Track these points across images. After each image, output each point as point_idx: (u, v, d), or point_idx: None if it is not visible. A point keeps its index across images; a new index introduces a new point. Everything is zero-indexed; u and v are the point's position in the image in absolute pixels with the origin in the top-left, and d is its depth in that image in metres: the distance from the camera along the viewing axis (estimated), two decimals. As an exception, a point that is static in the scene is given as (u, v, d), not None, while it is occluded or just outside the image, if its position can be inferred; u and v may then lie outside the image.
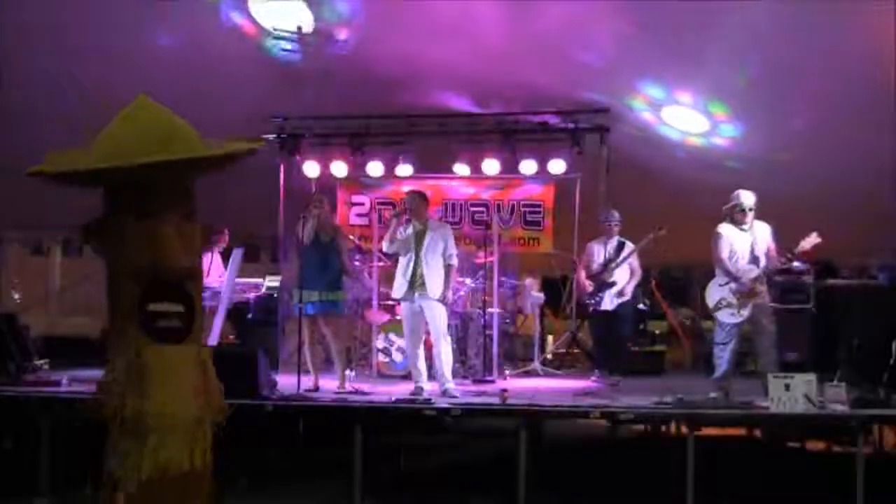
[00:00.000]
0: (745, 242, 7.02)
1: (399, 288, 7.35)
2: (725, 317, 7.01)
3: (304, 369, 7.50)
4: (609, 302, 8.40)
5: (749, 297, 6.90)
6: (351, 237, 7.46)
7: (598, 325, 8.84)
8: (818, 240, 6.70)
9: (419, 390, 7.26)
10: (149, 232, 3.18)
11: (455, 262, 7.48)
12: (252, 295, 9.64)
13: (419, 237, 7.31)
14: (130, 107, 3.24)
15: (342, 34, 8.07)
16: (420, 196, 7.54)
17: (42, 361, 8.27)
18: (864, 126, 7.96)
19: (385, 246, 7.54)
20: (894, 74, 7.21)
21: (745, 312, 6.91)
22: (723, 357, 7.06)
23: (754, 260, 6.98)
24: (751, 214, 7.00)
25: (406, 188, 9.68)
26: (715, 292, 7.06)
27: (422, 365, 7.44)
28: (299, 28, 7.90)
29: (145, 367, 3.18)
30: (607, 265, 8.49)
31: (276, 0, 7.94)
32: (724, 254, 7.00)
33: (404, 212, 7.36)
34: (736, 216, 7.03)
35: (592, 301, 8.52)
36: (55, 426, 6.58)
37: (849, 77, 7.54)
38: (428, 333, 7.54)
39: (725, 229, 7.06)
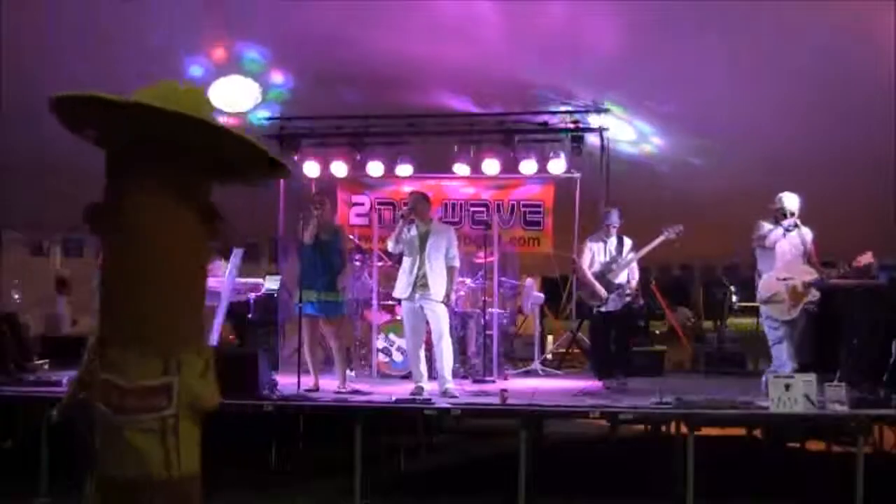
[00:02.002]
0: (788, 244, 7.22)
1: (403, 288, 7.38)
2: (776, 312, 7.18)
3: (303, 369, 7.50)
4: (614, 304, 8.27)
5: (801, 298, 7.06)
6: (351, 237, 7.46)
7: (600, 327, 8.56)
8: (872, 260, 6.95)
9: (419, 390, 7.27)
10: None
11: (457, 263, 7.53)
12: (252, 295, 9.64)
13: (423, 238, 7.35)
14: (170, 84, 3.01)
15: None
16: (423, 197, 7.61)
17: (42, 361, 8.27)
18: (865, 125, 7.96)
19: (391, 246, 7.55)
20: (894, 73, 7.21)
21: (795, 313, 7.09)
22: (781, 357, 7.19)
23: (807, 262, 7.19)
24: (793, 218, 7.22)
25: (406, 188, 9.73)
26: (773, 285, 7.19)
27: (423, 365, 7.46)
28: None
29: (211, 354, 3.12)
30: (610, 265, 8.28)
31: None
32: (763, 236, 7.25)
33: (409, 212, 7.40)
34: (779, 218, 7.26)
35: (597, 302, 8.22)
36: (55, 426, 6.57)
37: (850, 76, 7.54)
38: (428, 333, 7.55)
39: (766, 226, 7.31)
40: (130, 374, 2.89)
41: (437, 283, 7.30)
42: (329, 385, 7.61)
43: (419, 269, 7.31)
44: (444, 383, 7.27)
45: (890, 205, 8.39)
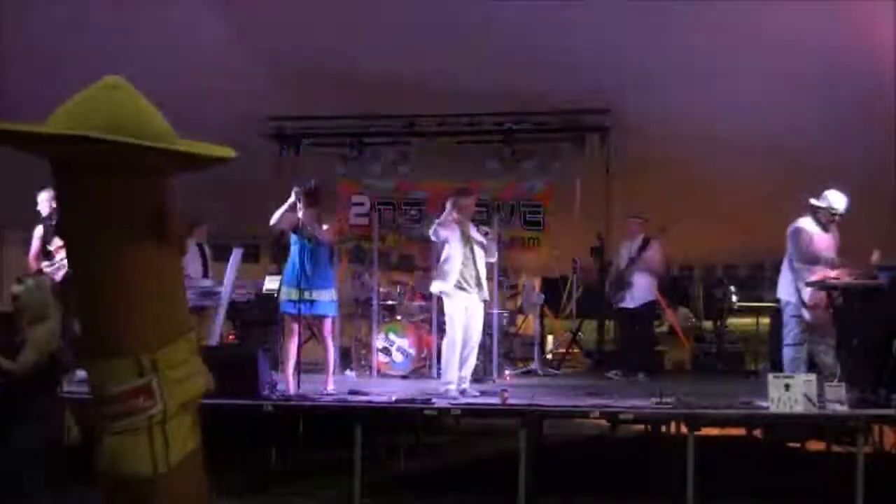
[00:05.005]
0: (828, 243, 7.06)
1: (454, 281, 7.14)
2: (811, 315, 7.08)
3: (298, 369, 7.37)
4: (629, 300, 8.71)
5: (833, 298, 6.95)
6: (325, 226, 7.14)
7: (620, 323, 9.32)
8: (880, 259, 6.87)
9: (458, 392, 7.16)
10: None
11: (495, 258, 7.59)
12: (252, 295, 9.63)
13: (468, 237, 7.24)
14: (99, 84, 2.99)
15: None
16: (471, 196, 7.49)
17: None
18: (866, 126, 7.96)
19: (433, 231, 7.30)
20: (894, 74, 7.22)
21: (827, 314, 7.00)
22: (798, 358, 7.13)
23: (841, 263, 7.03)
24: (837, 218, 7.02)
25: (406, 188, 9.75)
26: (815, 291, 7.02)
27: None
28: None
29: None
30: (630, 265, 8.86)
31: None
32: (807, 246, 7.02)
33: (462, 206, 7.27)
34: (821, 216, 7.03)
35: (615, 299, 9.02)
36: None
37: (852, 78, 7.55)
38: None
39: (807, 224, 7.07)
40: (107, 383, 2.89)
41: (485, 284, 7.30)
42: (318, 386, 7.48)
43: (473, 266, 7.18)
44: (464, 384, 7.25)
45: (891, 205, 8.39)
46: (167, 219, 3.05)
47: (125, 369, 2.91)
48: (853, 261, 7.11)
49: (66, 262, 7.66)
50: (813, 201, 7.07)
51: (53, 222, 7.82)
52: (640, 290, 8.86)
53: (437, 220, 7.36)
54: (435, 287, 7.44)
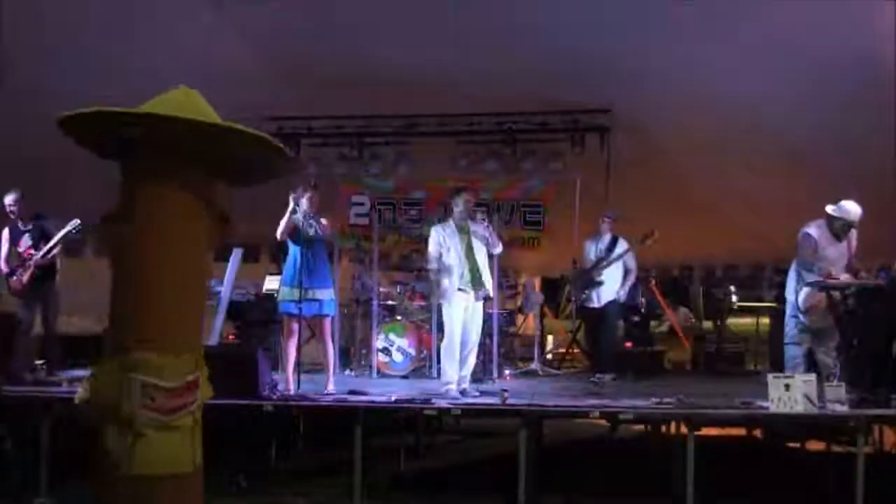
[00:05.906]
0: (839, 250, 7.00)
1: (455, 286, 7.12)
2: (812, 321, 7.05)
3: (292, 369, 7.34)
4: (596, 299, 8.66)
5: (837, 305, 6.89)
6: (323, 220, 7.15)
7: (588, 323, 9.31)
8: None
9: (461, 392, 7.14)
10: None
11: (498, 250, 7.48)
12: (252, 295, 9.64)
13: (468, 235, 7.22)
14: (176, 91, 3.10)
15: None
16: (469, 194, 7.45)
17: (42, 361, 8.26)
18: (868, 127, 7.96)
19: (434, 263, 7.24)
20: (894, 75, 7.22)
21: (829, 321, 6.94)
22: (798, 357, 7.12)
23: (851, 271, 6.99)
24: (847, 229, 6.96)
25: (405, 188, 9.77)
26: (817, 294, 6.97)
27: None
28: None
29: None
30: (598, 263, 8.78)
31: None
32: (811, 253, 6.95)
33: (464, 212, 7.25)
34: (836, 228, 6.97)
35: (580, 297, 8.98)
36: (55, 426, 6.58)
37: (854, 78, 7.55)
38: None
39: (817, 229, 7.01)
40: (169, 375, 2.96)
41: (488, 278, 7.25)
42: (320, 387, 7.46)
43: (471, 265, 7.15)
44: (465, 383, 7.24)
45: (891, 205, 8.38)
46: (229, 220, 3.19)
47: (186, 363, 2.99)
48: (870, 265, 7.10)
49: (33, 263, 7.70)
50: (828, 209, 7.02)
51: (20, 225, 7.84)
52: (608, 290, 8.80)
53: (430, 246, 7.27)
54: (435, 300, 7.47)
